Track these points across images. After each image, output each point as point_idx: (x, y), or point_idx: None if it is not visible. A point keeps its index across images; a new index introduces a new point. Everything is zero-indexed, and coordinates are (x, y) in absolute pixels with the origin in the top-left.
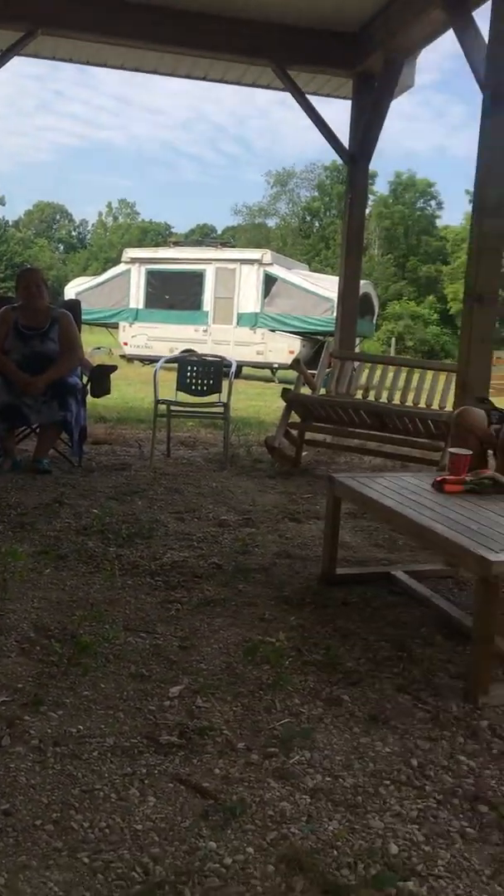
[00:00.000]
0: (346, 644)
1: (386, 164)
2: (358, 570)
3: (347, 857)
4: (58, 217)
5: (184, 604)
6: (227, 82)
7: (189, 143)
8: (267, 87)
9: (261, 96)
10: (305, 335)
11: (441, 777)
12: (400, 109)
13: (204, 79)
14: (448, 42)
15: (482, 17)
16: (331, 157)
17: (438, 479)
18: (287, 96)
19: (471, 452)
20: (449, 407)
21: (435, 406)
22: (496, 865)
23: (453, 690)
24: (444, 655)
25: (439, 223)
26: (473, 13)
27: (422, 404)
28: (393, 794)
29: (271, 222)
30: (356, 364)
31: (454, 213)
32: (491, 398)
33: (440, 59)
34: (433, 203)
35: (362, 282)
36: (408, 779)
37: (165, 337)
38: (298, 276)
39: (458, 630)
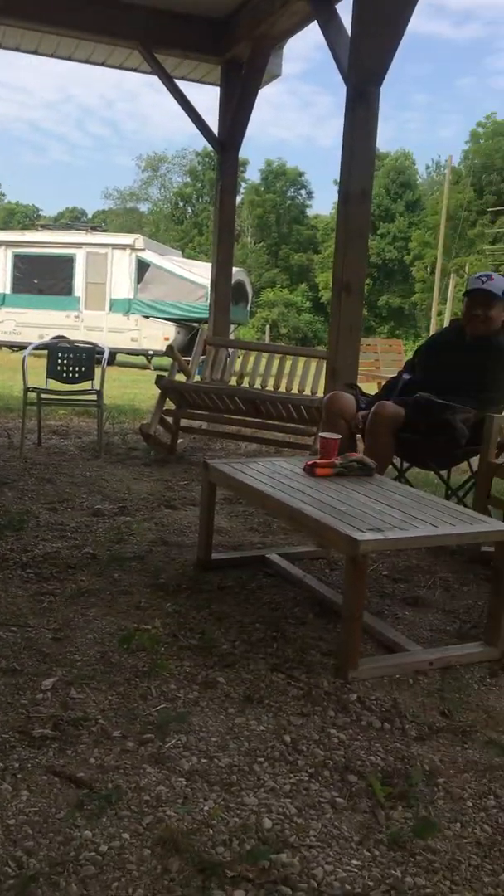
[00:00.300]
0: (222, 627)
1: (256, 152)
2: (233, 555)
3: (222, 835)
4: None
5: (57, 595)
6: (93, 63)
7: (56, 124)
8: (135, 70)
9: (130, 79)
10: (180, 321)
11: (313, 751)
12: (269, 98)
13: (69, 59)
14: (314, 33)
15: (345, 11)
16: (202, 142)
17: (309, 462)
18: (156, 80)
19: (340, 436)
20: (320, 393)
21: (307, 392)
22: (364, 832)
23: (325, 667)
24: (315, 634)
25: (310, 212)
26: (337, 6)
27: (294, 390)
28: (267, 771)
29: (143, 207)
30: (230, 351)
31: (323, 202)
32: (359, 384)
33: (307, 50)
34: (303, 192)
35: (235, 269)
36: (281, 755)
37: (35, 322)
38: (172, 262)
39: (329, 609)
